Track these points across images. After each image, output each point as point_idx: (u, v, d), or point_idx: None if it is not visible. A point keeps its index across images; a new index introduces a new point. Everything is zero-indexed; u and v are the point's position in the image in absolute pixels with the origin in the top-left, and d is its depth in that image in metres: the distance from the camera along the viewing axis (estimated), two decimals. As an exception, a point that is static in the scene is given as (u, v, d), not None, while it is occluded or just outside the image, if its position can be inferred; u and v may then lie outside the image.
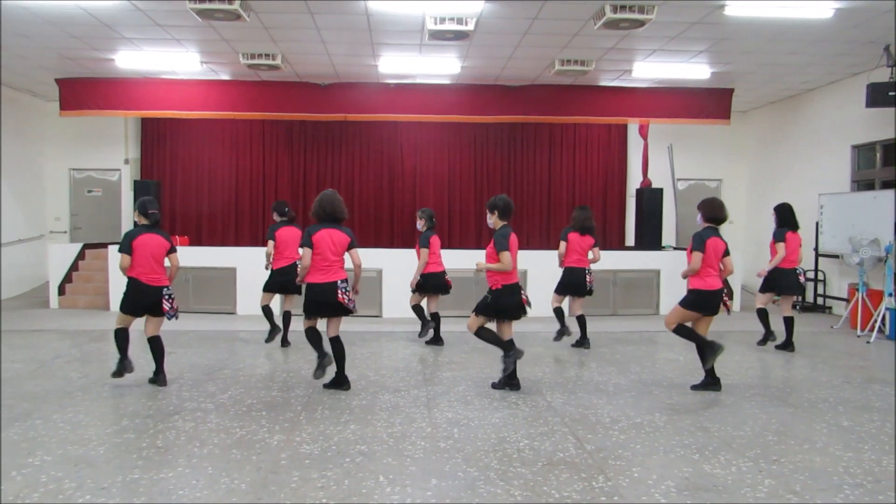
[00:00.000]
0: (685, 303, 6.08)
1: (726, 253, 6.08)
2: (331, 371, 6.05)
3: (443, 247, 8.03)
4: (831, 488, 3.95)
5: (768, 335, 8.10)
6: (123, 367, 6.02)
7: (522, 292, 5.98)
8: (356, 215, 13.53)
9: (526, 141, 13.93)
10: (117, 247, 6.05)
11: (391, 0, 7.65)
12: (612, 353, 7.78)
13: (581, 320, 8.07)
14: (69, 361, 7.04)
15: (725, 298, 6.09)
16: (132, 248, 5.85)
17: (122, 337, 6.04)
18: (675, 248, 12.29)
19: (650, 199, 11.77)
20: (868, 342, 8.61)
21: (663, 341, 8.66)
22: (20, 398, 5.57)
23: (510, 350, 5.97)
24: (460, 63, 10.36)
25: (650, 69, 10.57)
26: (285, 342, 8.03)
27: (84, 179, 13.58)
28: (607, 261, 10.31)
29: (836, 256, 10.56)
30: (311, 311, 5.83)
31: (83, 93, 11.15)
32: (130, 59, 10.08)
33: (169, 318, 6.00)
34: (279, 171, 13.73)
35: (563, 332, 8.05)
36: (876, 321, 8.86)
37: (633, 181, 13.61)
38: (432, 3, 7.72)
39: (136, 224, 6.09)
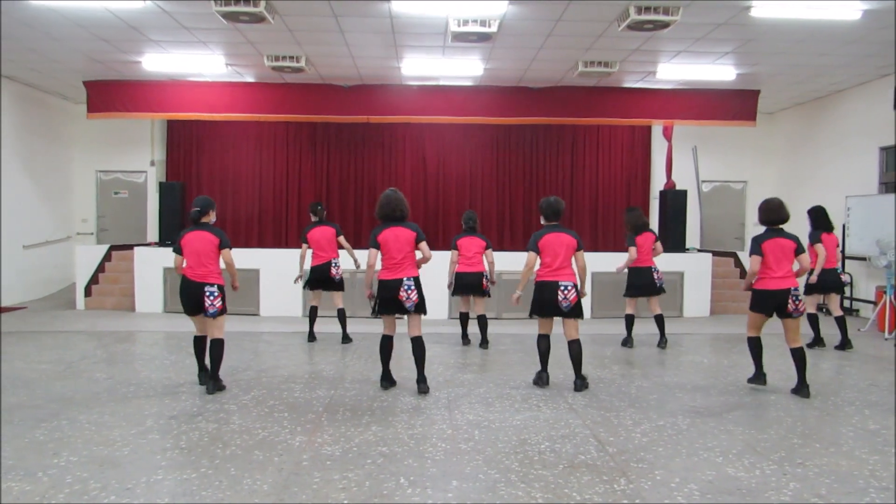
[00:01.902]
0: (750, 304, 6.15)
1: (798, 251, 5.99)
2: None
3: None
4: (857, 492, 3.88)
5: (818, 340, 8.13)
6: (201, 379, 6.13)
7: (561, 291, 5.89)
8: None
9: (549, 143, 13.89)
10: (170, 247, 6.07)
11: (415, 1, 7.65)
12: (635, 356, 7.71)
13: (659, 320, 8.10)
14: (95, 363, 7.14)
15: (791, 301, 5.88)
16: (181, 247, 5.91)
17: (195, 346, 6.16)
18: (699, 251, 12.17)
19: (674, 201, 11.67)
20: (897, 346, 8.46)
21: (687, 344, 8.58)
22: (47, 399, 5.65)
23: (576, 374, 6.15)
24: (483, 65, 10.35)
25: (675, 70, 10.48)
26: (312, 337, 8.33)
27: (111, 181, 13.79)
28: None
29: (864, 259, 10.39)
30: (380, 308, 5.91)
31: (110, 95, 11.32)
32: (157, 62, 10.23)
33: (210, 315, 5.81)
34: (302, 172, 13.82)
35: (627, 341, 8.21)
36: (905, 325, 8.72)
37: (657, 183, 13.50)
38: (456, 5, 7.72)
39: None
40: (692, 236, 12.75)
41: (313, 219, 8.30)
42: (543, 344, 6.22)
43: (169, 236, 11.76)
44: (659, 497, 3.79)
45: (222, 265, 5.94)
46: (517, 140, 13.82)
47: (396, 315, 5.94)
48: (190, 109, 11.54)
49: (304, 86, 11.50)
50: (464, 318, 8.32)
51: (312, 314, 8.39)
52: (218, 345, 5.90)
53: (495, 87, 11.61)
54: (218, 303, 5.81)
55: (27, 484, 3.86)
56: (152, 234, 13.18)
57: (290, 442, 4.64)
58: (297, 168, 13.83)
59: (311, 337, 8.37)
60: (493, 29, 8.17)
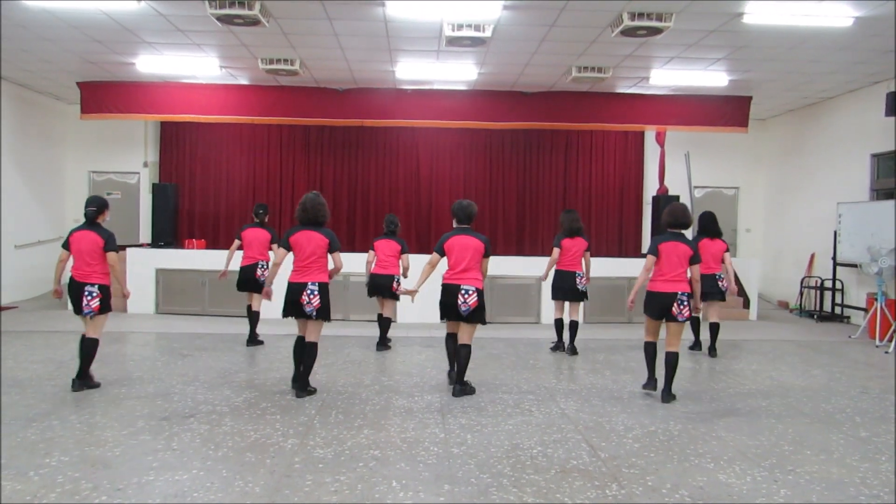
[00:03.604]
0: (643, 305, 6.15)
1: (694, 260, 6.02)
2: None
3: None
4: (848, 499, 3.91)
5: (697, 343, 8.33)
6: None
7: (462, 295, 5.88)
8: (371, 219, 13.59)
9: (542, 148, 13.91)
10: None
11: (410, 2, 7.65)
12: (627, 361, 7.74)
13: (573, 326, 8.08)
14: (87, 362, 7.10)
15: (676, 305, 5.89)
16: (69, 244, 5.95)
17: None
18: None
19: (666, 207, 11.70)
20: (887, 352, 8.51)
21: (679, 350, 8.59)
22: (38, 399, 5.64)
23: (459, 377, 6.12)
24: (477, 69, 10.38)
25: (668, 76, 10.53)
26: (254, 341, 8.27)
27: (104, 182, 13.73)
28: (625, 268, 10.33)
29: (855, 266, 10.45)
30: (284, 310, 5.92)
31: (104, 96, 11.28)
32: (151, 64, 10.20)
33: (84, 315, 5.89)
34: (296, 175, 13.78)
35: (558, 345, 8.23)
36: (895, 331, 8.77)
37: (650, 188, 13.56)
38: (450, 9, 7.74)
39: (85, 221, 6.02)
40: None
41: (255, 220, 8.29)
42: (451, 344, 6.29)
43: (162, 237, 11.74)
44: (650, 502, 3.81)
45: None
46: (511, 144, 13.84)
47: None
48: (184, 111, 11.51)
49: (298, 89, 11.50)
50: (384, 321, 8.31)
51: (252, 316, 8.27)
52: (91, 343, 5.95)
53: (489, 92, 11.64)
54: (94, 303, 5.87)
55: (18, 483, 3.85)
56: (145, 234, 13.11)
57: (283, 444, 4.63)
58: (291, 171, 13.80)
59: (253, 340, 8.26)
60: (488, 34, 8.19)
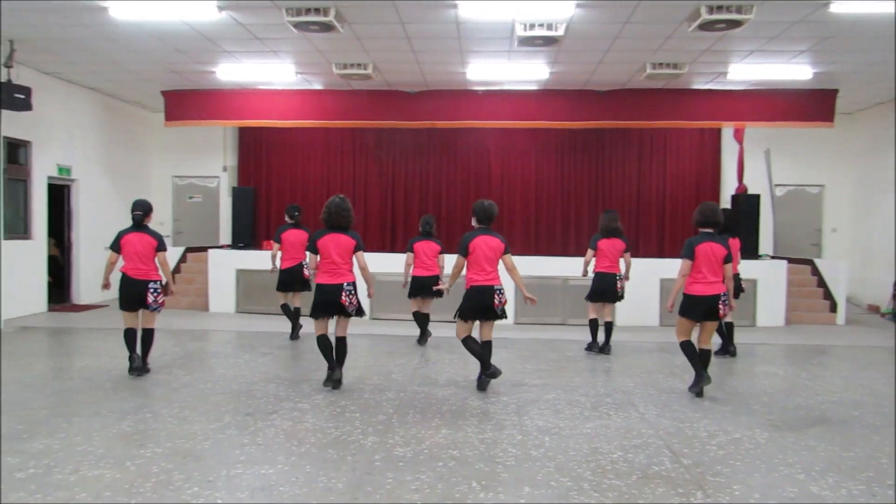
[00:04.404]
0: (679, 308, 6.11)
1: (727, 259, 5.96)
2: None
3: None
4: (954, 516, 3.69)
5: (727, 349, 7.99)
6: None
7: (497, 296, 6.03)
8: (443, 221, 13.62)
9: (615, 146, 13.68)
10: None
11: (482, 3, 7.63)
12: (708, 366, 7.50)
13: (608, 327, 8.06)
14: (174, 359, 7.41)
15: (721, 306, 5.94)
16: (120, 246, 6.47)
17: (128, 337, 6.52)
18: (773, 258, 11.78)
19: (746, 206, 11.33)
20: None
21: (762, 354, 8.31)
22: (132, 392, 5.93)
23: (487, 368, 6.16)
24: (549, 68, 10.28)
25: (747, 71, 10.17)
26: (296, 336, 8.66)
27: (185, 186, 14.30)
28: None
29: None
30: (316, 311, 6.08)
31: (186, 104, 11.72)
32: (230, 71, 10.55)
33: (153, 310, 6.50)
34: (368, 177, 14.01)
35: (593, 346, 8.12)
36: None
37: (728, 187, 13.14)
38: (522, 9, 7.70)
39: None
40: (766, 242, 12.35)
41: (288, 221, 8.51)
42: (475, 344, 6.21)
43: (241, 239, 12.10)
44: (738, 510, 3.69)
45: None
46: (583, 144, 13.67)
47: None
48: (261, 117, 11.84)
49: (371, 92, 11.65)
50: (422, 318, 8.42)
51: (294, 313, 8.62)
52: (151, 333, 6.65)
53: (561, 91, 11.49)
54: (161, 299, 6.44)
55: (117, 472, 4.06)
56: (225, 236, 13.59)
57: (363, 442, 4.71)
58: (364, 173, 14.02)
59: (296, 335, 8.65)
60: (560, 32, 8.11)
